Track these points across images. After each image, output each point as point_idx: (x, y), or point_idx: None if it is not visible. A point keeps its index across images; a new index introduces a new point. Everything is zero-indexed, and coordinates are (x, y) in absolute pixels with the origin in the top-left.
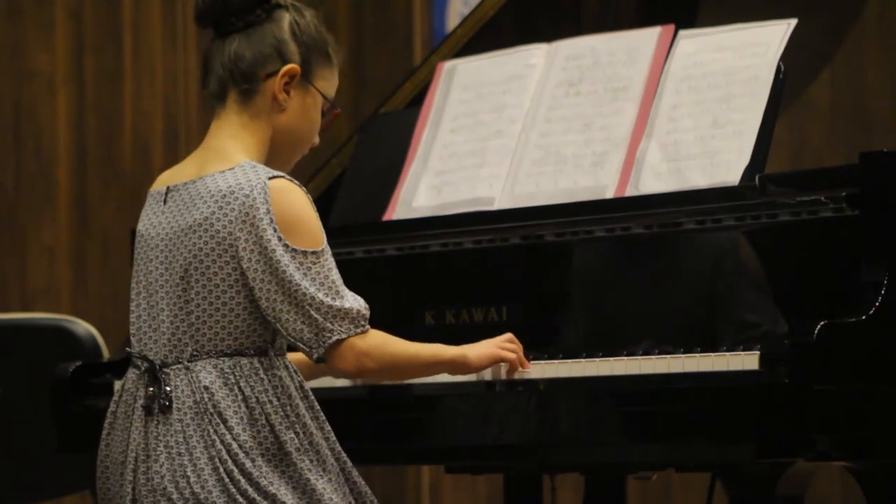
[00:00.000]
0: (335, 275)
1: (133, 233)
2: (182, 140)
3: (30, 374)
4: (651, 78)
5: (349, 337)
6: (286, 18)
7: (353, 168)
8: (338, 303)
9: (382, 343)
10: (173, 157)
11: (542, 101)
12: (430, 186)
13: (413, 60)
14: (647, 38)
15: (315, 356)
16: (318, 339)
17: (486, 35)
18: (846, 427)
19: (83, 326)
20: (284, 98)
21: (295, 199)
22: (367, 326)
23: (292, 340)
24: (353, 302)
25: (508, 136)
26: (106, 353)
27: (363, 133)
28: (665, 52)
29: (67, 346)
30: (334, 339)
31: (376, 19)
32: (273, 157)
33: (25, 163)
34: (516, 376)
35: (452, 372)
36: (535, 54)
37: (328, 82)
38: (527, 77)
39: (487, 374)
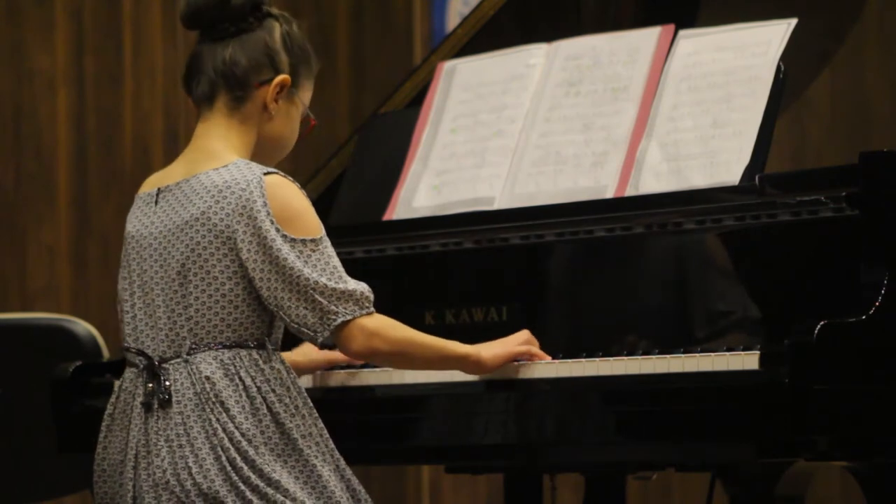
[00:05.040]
0: (336, 261)
1: None
2: (182, 140)
3: (30, 374)
4: (651, 78)
5: (355, 318)
6: (277, 28)
7: (353, 168)
8: (341, 285)
9: (392, 325)
10: (173, 157)
11: (542, 101)
12: (430, 186)
13: (413, 60)
14: (647, 38)
15: (320, 339)
16: (323, 322)
17: (486, 35)
18: (846, 427)
19: (83, 326)
20: (274, 107)
21: (289, 193)
22: (373, 309)
23: (295, 328)
24: (357, 284)
25: (508, 136)
26: (106, 353)
27: (363, 133)
28: (665, 52)
29: (67, 346)
30: (339, 320)
31: (376, 19)
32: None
33: (25, 163)
34: (522, 376)
35: (465, 370)
36: (535, 54)
37: (308, 93)
38: (527, 77)
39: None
